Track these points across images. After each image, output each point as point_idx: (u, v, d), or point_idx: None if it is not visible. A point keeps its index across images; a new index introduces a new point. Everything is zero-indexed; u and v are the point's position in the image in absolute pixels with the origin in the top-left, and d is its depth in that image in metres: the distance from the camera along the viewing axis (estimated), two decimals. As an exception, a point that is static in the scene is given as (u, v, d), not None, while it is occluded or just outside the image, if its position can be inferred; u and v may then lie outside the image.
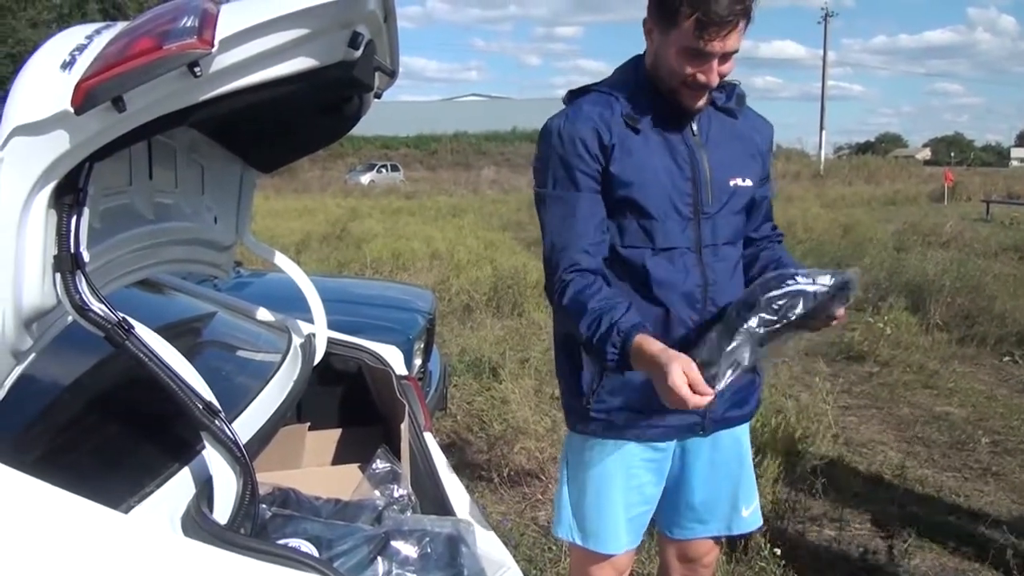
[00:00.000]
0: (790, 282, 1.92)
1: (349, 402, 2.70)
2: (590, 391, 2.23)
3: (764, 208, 2.34)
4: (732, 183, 2.19)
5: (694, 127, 2.16)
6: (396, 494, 1.83)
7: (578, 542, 2.35)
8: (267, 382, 1.95)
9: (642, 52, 2.19)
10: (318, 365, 2.39)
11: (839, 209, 22.84)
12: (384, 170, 44.88)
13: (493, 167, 46.86)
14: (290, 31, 1.32)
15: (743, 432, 2.44)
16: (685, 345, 2.07)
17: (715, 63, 2.00)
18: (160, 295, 2.75)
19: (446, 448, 5.17)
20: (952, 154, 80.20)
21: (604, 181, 2.12)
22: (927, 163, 68.67)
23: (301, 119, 2.12)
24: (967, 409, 6.23)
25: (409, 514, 1.76)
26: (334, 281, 6.10)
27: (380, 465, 1.90)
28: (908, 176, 41.87)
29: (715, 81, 2.02)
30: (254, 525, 1.43)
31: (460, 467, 4.83)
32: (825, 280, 1.92)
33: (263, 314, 2.65)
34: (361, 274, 10.18)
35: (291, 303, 2.65)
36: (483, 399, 5.74)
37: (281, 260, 2.46)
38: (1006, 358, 7.61)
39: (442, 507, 2.09)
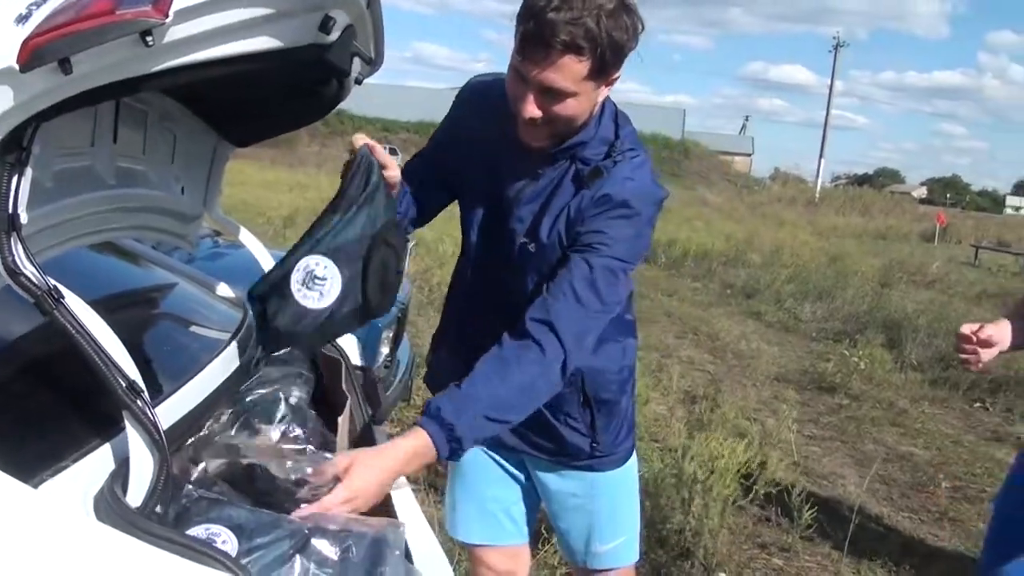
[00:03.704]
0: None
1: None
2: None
3: (559, 276, 1.95)
4: (520, 241, 2.05)
5: (540, 171, 2.02)
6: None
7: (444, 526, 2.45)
8: (211, 360, 1.90)
9: None
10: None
11: (829, 239, 22.88)
12: (383, 152, 44.77)
13: (491, 160, 46.73)
14: (252, 9, 1.27)
15: (603, 477, 2.32)
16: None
17: (531, 94, 1.80)
18: (125, 261, 2.69)
19: (405, 440, 5.14)
20: (948, 195, 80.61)
21: (455, 168, 2.14)
22: (922, 201, 68.86)
23: (278, 97, 2.08)
24: (932, 451, 6.24)
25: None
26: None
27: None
28: (902, 212, 41.98)
29: (528, 113, 1.82)
30: (166, 512, 1.39)
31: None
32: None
33: (224, 289, 2.59)
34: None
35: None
36: (448, 394, 5.71)
37: (246, 237, 2.41)
38: (976, 404, 7.62)
39: (384, 508, 2.05)
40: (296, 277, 1.84)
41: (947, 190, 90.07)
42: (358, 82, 1.99)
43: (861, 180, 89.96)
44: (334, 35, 1.55)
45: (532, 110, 1.81)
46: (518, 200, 2.03)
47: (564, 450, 2.25)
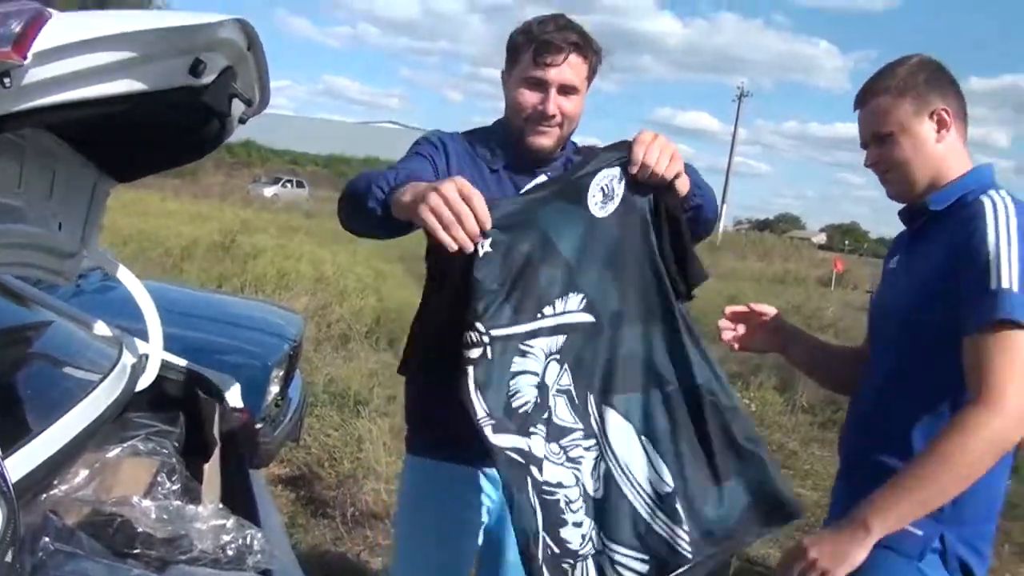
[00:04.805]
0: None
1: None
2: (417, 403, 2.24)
3: None
4: None
5: (543, 178, 2.17)
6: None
7: None
8: (78, 402, 1.85)
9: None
10: (156, 388, 2.30)
11: (729, 281, 23.29)
12: (289, 185, 43.93)
13: (400, 196, 46.41)
14: (115, 52, 1.26)
15: None
16: None
17: (553, 92, 2.09)
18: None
19: (294, 480, 5.06)
20: (847, 242, 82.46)
21: None
22: (821, 247, 70.46)
23: (158, 135, 2.05)
24: (819, 492, 6.32)
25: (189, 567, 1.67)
26: (204, 296, 5.96)
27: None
28: (801, 257, 42.86)
29: (552, 110, 2.10)
30: (21, 565, 1.34)
31: (306, 502, 4.73)
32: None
33: (100, 328, 2.53)
34: (239, 291, 9.91)
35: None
36: (339, 434, 5.62)
37: (124, 275, 2.36)
38: (865, 447, 7.77)
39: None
40: (596, 203, 1.86)
41: (846, 236, 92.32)
42: (242, 121, 1.98)
43: (762, 225, 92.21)
44: (207, 78, 1.54)
45: (553, 107, 2.10)
46: None
47: None
